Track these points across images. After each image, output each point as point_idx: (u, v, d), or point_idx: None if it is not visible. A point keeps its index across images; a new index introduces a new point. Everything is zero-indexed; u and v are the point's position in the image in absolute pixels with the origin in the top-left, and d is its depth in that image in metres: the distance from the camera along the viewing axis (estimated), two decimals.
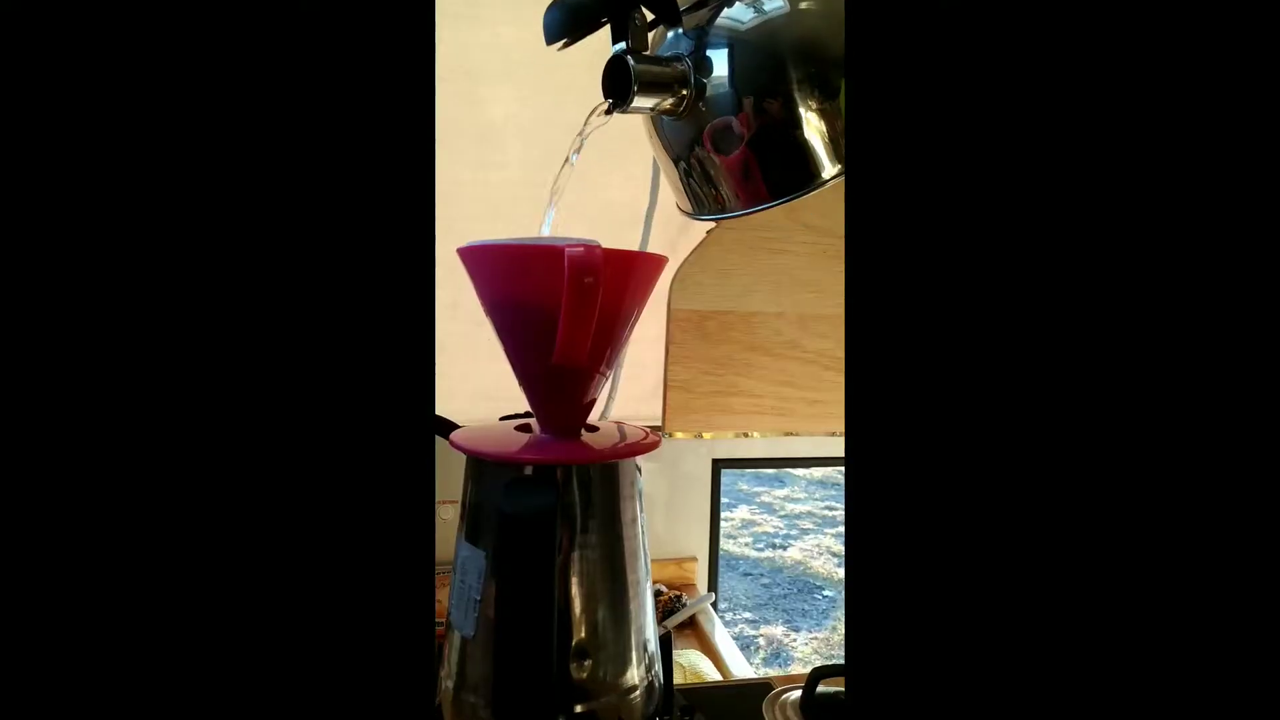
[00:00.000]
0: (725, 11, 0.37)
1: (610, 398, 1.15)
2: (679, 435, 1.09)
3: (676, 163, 0.41)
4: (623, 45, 0.36)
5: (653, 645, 0.44)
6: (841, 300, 1.00)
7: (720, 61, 0.37)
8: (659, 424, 1.07)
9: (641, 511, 0.43)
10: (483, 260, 0.39)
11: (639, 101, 0.36)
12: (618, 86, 0.36)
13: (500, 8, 0.99)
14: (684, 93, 0.37)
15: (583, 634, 0.40)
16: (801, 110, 0.36)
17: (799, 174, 0.36)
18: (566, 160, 0.41)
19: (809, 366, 1.10)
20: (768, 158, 0.37)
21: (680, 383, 1.06)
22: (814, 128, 0.36)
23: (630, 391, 1.16)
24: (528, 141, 1.06)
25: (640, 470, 0.44)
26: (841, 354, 0.99)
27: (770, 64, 0.36)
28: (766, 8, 0.36)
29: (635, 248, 1.00)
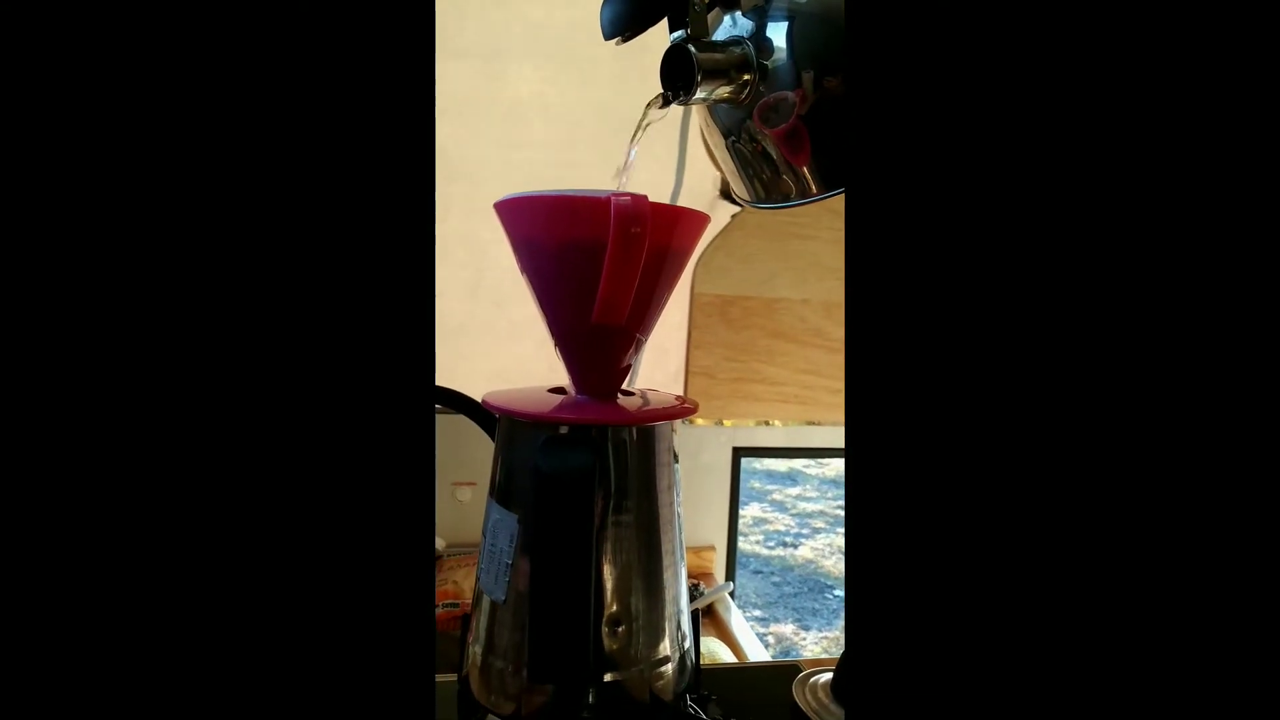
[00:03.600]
0: (772, 31, 0.35)
1: (630, 382, 1.14)
2: (700, 422, 1.08)
3: (733, 150, 0.38)
4: (681, 34, 0.34)
5: (685, 619, 0.43)
6: None
7: (781, 40, 0.34)
8: None
9: (677, 479, 0.42)
10: (523, 213, 0.38)
11: (701, 91, 0.34)
12: (679, 77, 0.34)
13: None
14: (745, 77, 0.34)
15: (617, 601, 0.39)
16: None
17: None
18: (627, 159, 0.39)
19: (833, 355, 1.09)
20: (838, 140, 0.34)
21: (702, 369, 1.05)
22: None
23: (651, 377, 1.15)
24: (552, 120, 1.05)
25: (675, 442, 0.42)
26: None
27: (835, 37, 0.33)
28: (819, 27, 0.34)
29: None
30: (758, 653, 0.91)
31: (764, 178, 0.39)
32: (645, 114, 0.37)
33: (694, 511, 1.17)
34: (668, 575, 0.41)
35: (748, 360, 1.08)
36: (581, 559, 0.34)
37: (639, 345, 0.41)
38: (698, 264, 1.03)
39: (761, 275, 1.07)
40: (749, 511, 3.97)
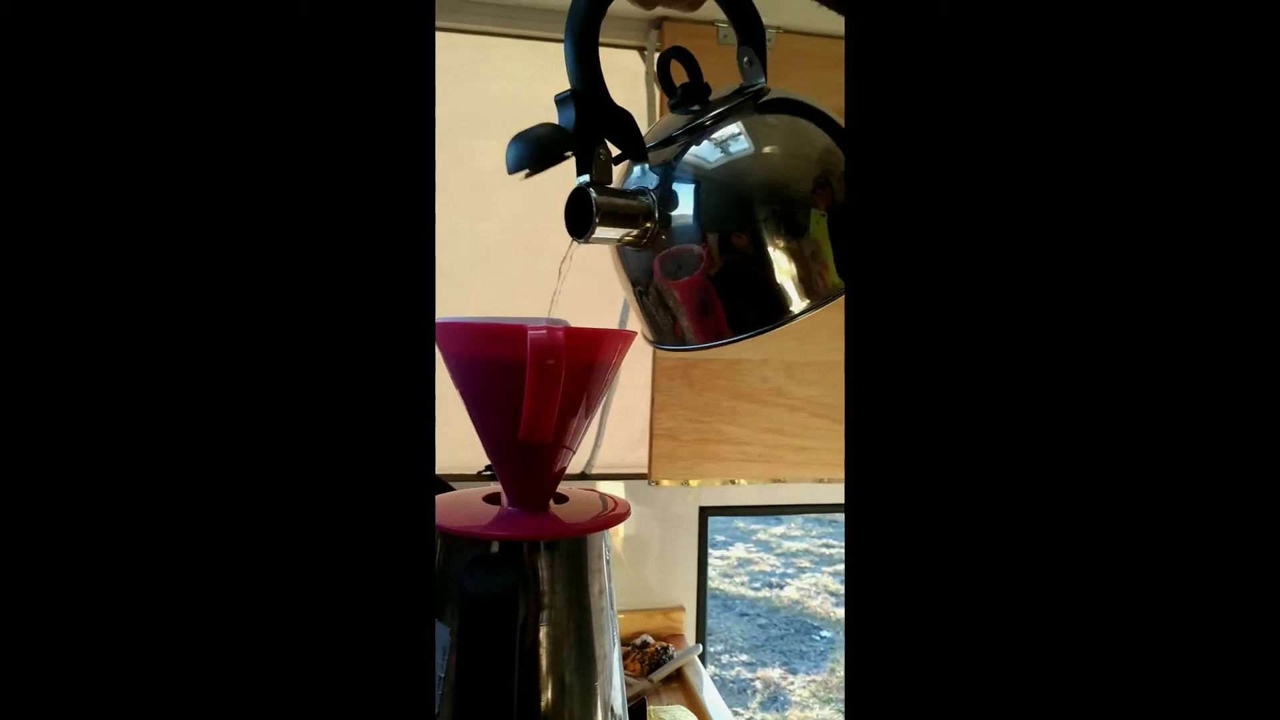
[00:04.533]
0: (692, 150, 0.38)
1: (596, 445, 1.15)
2: (665, 483, 1.09)
3: (639, 293, 0.41)
4: (586, 178, 0.36)
5: (621, 715, 0.44)
6: (828, 347, 1.01)
7: (685, 198, 0.37)
8: (645, 471, 1.07)
9: (609, 581, 0.44)
10: (452, 336, 0.40)
11: (602, 232, 0.36)
12: (579, 218, 0.37)
13: (489, 65, 1.02)
14: (648, 225, 0.37)
15: (549, 710, 0.39)
16: (768, 248, 0.37)
17: (762, 311, 0.37)
18: (556, 291, 0.41)
19: (796, 413, 1.11)
20: (731, 294, 0.37)
21: (666, 430, 1.06)
22: (780, 265, 0.36)
23: (616, 439, 1.17)
24: (515, 193, 1.08)
25: (608, 543, 0.44)
26: (828, 400, 0.99)
27: (734, 203, 0.37)
28: (732, 149, 0.37)
29: (621, 300, 1.01)
30: None
31: (666, 321, 0.41)
32: (570, 246, 0.39)
33: (662, 572, 1.17)
34: (600, 681, 0.41)
35: (711, 421, 1.09)
36: (505, 680, 0.35)
37: (572, 453, 0.43)
38: None
39: None
40: (734, 552, 3.95)
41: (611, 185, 0.37)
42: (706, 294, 0.36)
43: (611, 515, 0.42)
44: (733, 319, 0.37)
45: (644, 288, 0.39)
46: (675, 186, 0.37)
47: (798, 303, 0.37)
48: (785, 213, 0.36)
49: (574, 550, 0.40)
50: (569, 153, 0.36)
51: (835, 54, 1.01)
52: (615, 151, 0.37)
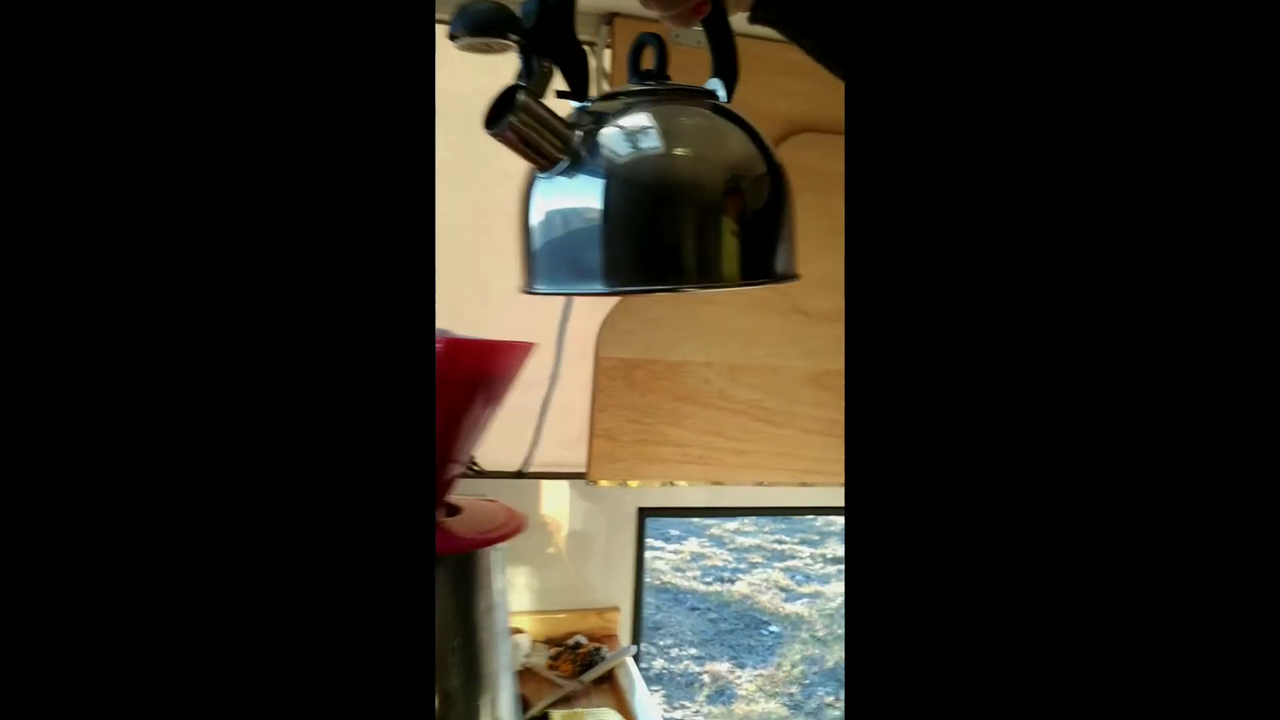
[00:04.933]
0: (633, 113, 0.38)
1: (535, 443, 1.14)
2: (603, 483, 1.08)
3: (531, 232, 0.40)
4: (522, 83, 0.36)
5: None
6: (770, 350, 1.01)
7: (609, 151, 0.37)
8: (584, 470, 1.06)
9: (502, 596, 0.43)
10: None
11: (516, 131, 0.35)
12: (499, 112, 0.36)
13: (439, 55, 0.98)
14: (562, 156, 0.36)
15: None
16: (675, 218, 0.37)
17: (644, 272, 0.37)
18: None
19: (737, 417, 1.11)
20: (619, 247, 0.37)
21: (606, 431, 1.05)
22: (680, 236, 0.37)
23: (555, 437, 1.15)
24: (461, 188, 1.06)
25: (502, 554, 0.43)
26: (769, 404, 0.99)
27: (652, 173, 0.37)
28: (671, 126, 0.38)
29: (560, 308, 1.00)
30: None
31: (550, 266, 0.40)
32: None
33: (599, 572, 1.17)
34: (484, 699, 0.41)
35: (652, 422, 1.09)
36: None
37: (460, 466, 0.42)
38: (602, 328, 1.04)
39: (666, 339, 1.09)
40: (687, 546, 3.97)
41: (543, 101, 0.36)
42: (594, 243, 0.36)
43: (500, 531, 0.41)
44: (612, 272, 0.36)
45: (538, 225, 0.38)
46: (601, 138, 0.37)
47: (686, 276, 0.37)
48: (696, 198, 0.37)
49: (461, 566, 0.39)
50: (508, 38, 0.36)
51: (785, 58, 1.01)
52: (565, 88, 0.37)
